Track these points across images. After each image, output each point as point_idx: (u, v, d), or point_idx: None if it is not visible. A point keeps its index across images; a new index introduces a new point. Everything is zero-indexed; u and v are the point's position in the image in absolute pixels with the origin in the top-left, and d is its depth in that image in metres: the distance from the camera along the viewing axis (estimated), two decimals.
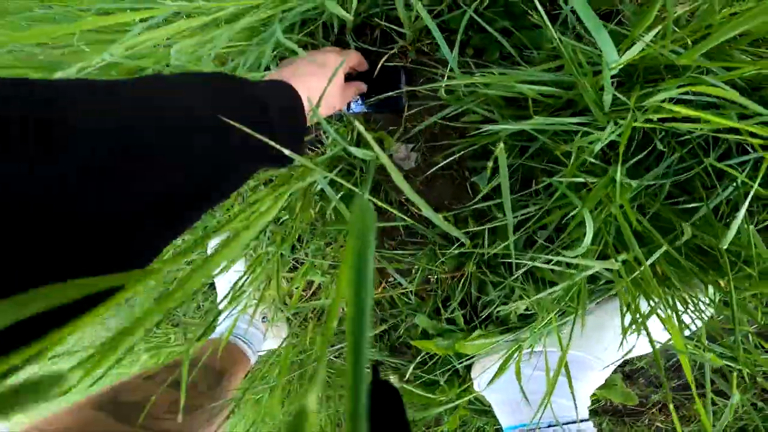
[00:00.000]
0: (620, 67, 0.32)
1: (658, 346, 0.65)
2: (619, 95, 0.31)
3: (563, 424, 0.54)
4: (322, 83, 0.50)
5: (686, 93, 0.33)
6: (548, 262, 0.42)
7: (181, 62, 0.47)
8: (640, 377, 0.86)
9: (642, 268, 0.40)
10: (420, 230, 0.64)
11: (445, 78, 0.44)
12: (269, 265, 0.75)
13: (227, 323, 0.93)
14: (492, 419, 0.82)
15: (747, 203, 0.31)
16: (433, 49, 0.65)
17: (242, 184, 0.40)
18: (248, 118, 0.36)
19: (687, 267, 0.39)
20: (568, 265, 0.44)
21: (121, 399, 0.63)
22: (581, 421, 0.55)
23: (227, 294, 0.67)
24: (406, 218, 0.37)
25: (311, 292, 0.83)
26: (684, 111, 0.30)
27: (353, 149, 0.30)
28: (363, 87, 0.64)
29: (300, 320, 0.97)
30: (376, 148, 0.23)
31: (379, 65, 0.62)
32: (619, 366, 0.82)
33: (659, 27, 0.31)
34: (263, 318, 0.98)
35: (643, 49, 0.30)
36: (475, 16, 0.48)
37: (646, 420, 0.94)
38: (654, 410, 0.94)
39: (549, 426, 0.54)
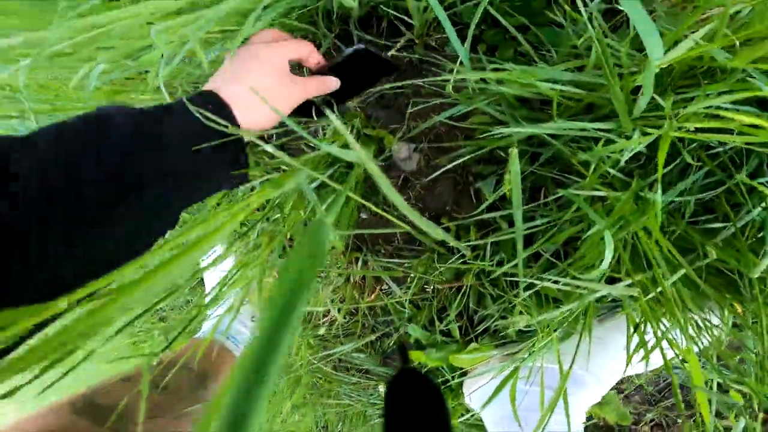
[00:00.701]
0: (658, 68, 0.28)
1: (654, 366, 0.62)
2: (657, 97, 0.27)
3: None
4: (256, 86, 0.44)
5: (725, 102, 0.30)
6: (556, 281, 0.39)
7: (162, 44, 0.43)
8: (635, 395, 0.84)
9: (658, 290, 0.37)
10: (418, 237, 0.60)
11: (455, 72, 0.40)
12: (257, 264, 0.71)
13: (214, 323, 0.90)
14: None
15: None
16: (443, 43, 0.62)
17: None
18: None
19: (705, 290, 0.36)
20: (577, 285, 0.40)
21: (99, 402, 0.60)
22: None
23: (211, 290, 0.64)
24: (403, 225, 0.33)
25: None
26: (739, 117, 0.26)
27: (335, 150, 0.26)
28: (332, 83, 0.54)
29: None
30: (360, 151, 0.19)
31: (345, 54, 0.53)
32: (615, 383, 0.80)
33: (709, 25, 0.27)
34: (253, 318, 0.95)
35: (690, 49, 0.26)
36: (491, 9, 0.44)
37: None
38: (646, 428, 0.91)
39: None
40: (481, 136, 0.45)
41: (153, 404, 0.65)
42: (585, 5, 0.43)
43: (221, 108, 0.41)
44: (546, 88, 0.35)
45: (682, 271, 0.35)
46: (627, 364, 0.47)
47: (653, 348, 0.38)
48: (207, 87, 0.44)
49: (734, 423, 0.80)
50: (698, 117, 0.30)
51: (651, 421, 0.90)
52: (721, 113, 0.27)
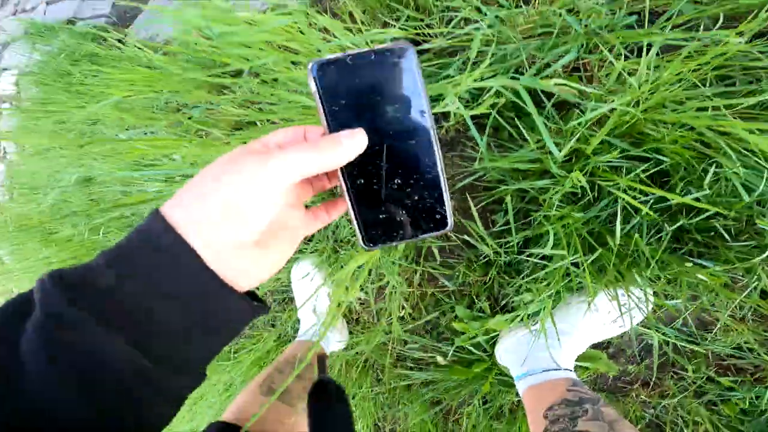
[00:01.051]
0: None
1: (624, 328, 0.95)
2: (561, 172, 0.65)
3: (552, 369, 0.86)
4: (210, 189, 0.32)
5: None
6: (532, 255, 0.75)
7: None
8: (621, 356, 1.15)
9: (584, 266, 0.73)
10: (457, 251, 0.98)
11: (477, 160, 0.79)
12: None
13: (314, 329, 1.21)
14: (511, 389, 1.11)
15: (620, 220, 0.64)
16: (466, 128, 1.00)
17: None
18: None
19: (615, 265, 0.71)
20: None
21: (272, 386, 0.87)
22: (561, 369, 0.86)
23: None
24: (457, 238, 0.69)
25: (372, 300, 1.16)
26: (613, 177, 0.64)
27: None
28: (344, 139, 0.35)
29: (362, 323, 1.30)
30: (480, 225, 0.55)
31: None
32: (602, 347, 1.12)
33: (577, 135, 0.65)
34: None
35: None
36: (496, 116, 0.82)
37: (634, 395, 1.20)
38: (638, 386, 1.20)
39: (543, 371, 0.86)
40: (492, 192, 0.82)
41: (301, 388, 0.89)
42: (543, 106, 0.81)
43: (162, 236, 0.30)
44: (518, 165, 0.73)
45: (598, 252, 0.71)
46: (585, 315, 0.82)
47: (591, 302, 0.74)
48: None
49: (690, 372, 1.11)
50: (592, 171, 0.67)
51: (637, 380, 1.18)
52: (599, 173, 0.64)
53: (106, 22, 2.51)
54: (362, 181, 0.38)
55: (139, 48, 1.27)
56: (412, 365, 1.24)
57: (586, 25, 0.82)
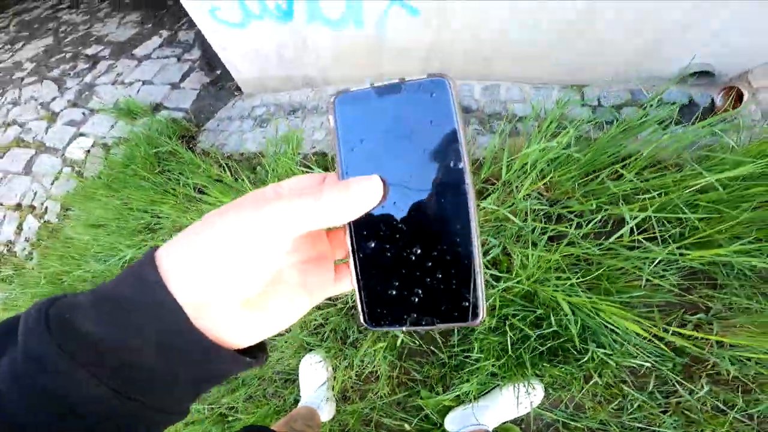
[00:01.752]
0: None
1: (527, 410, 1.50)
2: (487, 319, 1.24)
3: (477, 425, 1.38)
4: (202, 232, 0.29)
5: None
6: (469, 358, 1.32)
7: None
8: (529, 429, 1.69)
9: (491, 369, 1.29)
10: (425, 355, 1.52)
11: None
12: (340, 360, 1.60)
13: (314, 398, 1.69)
14: None
15: (510, 344, 1.23)
16: None
17: None
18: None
19: (510, 368, 1.28)
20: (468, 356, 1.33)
21: (294, 427, 1.26)
22: (483, 425, 1.39)
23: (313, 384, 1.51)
24: (426, 347, 1.24)
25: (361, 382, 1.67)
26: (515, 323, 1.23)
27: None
28: (357, 186, 0.29)
29: (350, 400, 1.77)
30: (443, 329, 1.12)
31: None
32: (518, 423, 1.66)
33: (493, 298, 1.25)
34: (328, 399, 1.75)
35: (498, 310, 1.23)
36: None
37: None
38: None
39: (471, 425, 1.38)
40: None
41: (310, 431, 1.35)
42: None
43: (156, 287, 0.27)
44: None
45: (504, 358, 1.28)
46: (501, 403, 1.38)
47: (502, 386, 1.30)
48: None
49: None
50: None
51: None
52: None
53: (184, 117, 2.76)
54: (373, 244, 0.31)
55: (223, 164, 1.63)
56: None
57: (515, 230, 1.47)
